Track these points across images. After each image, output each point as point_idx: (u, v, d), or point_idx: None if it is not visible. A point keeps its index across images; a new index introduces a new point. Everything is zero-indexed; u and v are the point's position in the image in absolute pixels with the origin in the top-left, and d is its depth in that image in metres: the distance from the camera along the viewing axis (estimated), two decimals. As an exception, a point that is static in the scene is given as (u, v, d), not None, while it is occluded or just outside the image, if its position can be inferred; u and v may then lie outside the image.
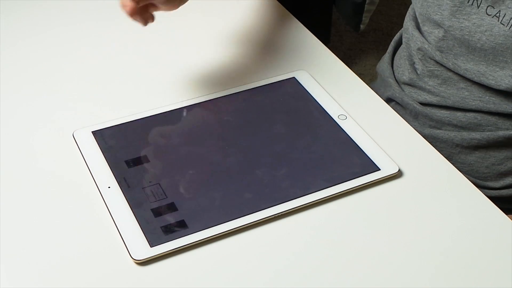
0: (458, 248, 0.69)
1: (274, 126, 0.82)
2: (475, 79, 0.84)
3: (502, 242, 0.70)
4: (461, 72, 0.85)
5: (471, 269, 0.67)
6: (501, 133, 0.86)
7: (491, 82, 0.82)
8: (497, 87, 0.82)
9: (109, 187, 0.74)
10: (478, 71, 0.83)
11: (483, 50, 0.81)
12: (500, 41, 0.79)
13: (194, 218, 0.70)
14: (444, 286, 0.65)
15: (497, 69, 0.81)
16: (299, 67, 0.92)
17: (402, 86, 0.95)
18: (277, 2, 1.07)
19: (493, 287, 0.66)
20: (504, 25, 0.77)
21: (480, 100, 0.85)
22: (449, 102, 0.87)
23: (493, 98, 0.84)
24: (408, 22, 0.95)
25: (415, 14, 0.93)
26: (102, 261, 0.67)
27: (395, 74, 0.97)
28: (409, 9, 0.96)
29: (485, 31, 0.79)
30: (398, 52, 0.99)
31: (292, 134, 0.81)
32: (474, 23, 0.80)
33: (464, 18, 0.81)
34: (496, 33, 0.79)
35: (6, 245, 0.68)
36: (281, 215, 0.72)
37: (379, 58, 1.04)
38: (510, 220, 0.72)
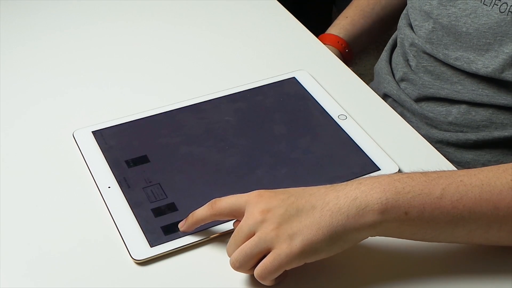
0: (457, 245, 0.68)
1: (274, 126, 0.82)
2: (466, 67, 0.86)
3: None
4: (452, 62, 0.87)
5: (472, 264, 0.67)
6: (496, 133, 0.87)
7: (480, 67, 0.85)
8: (485, 72, 0.84)
9: (109, 187, 0.74)
10: (468, 58, 0.86)
11: (468, 34, 0.85)
12: (483, 21, 0.83)
13: (194, 218, 0.70)
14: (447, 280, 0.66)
15: (483, 52, 0.85)
16: (299, 67, 0.92)
17: (399, 83, 0.96)
18: (277, 2, 1.07)
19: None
20: (487, 5, 0.83)
21: (473, 93, 0.87)
22: (442, 94, 0.88)
23: (486, 91, 0.86)
24: (400, 22, 0.99)
25: (408, 12, 0.96)
26: (103, 261, 0.67)
27: (393, 72, 0.98)
28: (404, 10, 0.99)
29: (470, 14, 0.84)
30: (395, 50, 1.00)
31: (292, 134, 0.81)
32: (460, 8, 0.85)
33: (450, 5, 0.86)
34: (480, 14, 0.83)
35: (6, 245, 0.68)
36: (281, 215, 0.71)
37: (379, 58, 1.05)
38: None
